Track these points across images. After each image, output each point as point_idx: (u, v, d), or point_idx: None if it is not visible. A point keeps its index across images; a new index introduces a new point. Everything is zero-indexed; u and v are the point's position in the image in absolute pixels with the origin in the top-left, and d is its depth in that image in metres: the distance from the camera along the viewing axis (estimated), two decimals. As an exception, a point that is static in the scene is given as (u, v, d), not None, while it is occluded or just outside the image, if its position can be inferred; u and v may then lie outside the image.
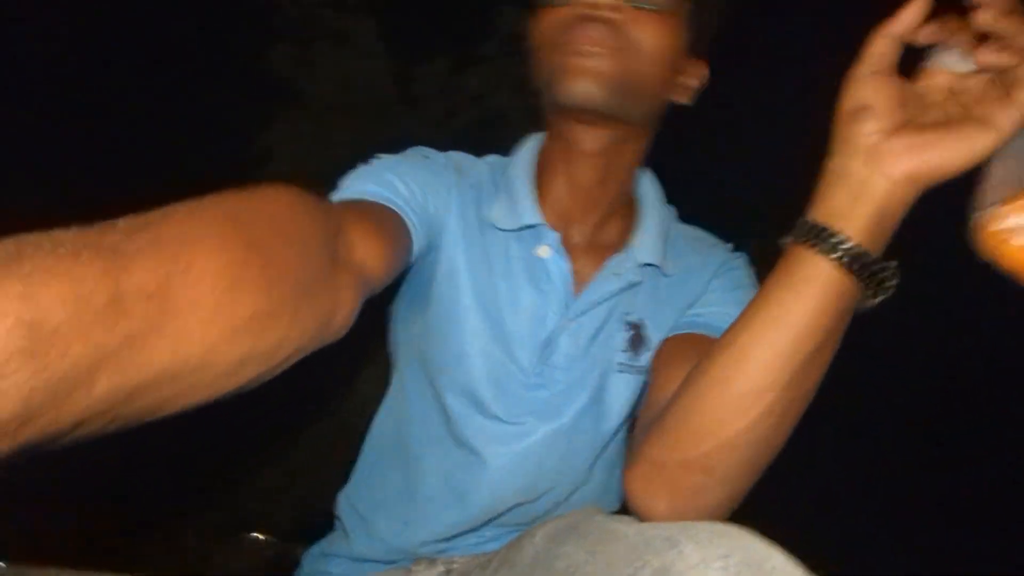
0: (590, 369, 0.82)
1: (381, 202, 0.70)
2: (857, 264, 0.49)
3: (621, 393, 0.83)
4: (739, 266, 0.88)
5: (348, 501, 0.93)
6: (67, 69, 2.20)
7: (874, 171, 0.48)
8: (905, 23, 0.48)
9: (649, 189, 0.88)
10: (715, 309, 0.82)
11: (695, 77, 0.80)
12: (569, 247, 0.82)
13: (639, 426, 0.78)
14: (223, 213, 0.41)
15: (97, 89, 2.19)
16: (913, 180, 0.49)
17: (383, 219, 0.68)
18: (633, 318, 0.83)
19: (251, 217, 0.42)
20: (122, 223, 0.35)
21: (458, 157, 0.87)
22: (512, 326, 0.81)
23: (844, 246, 0.49)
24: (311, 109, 2.45)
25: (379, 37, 2.56)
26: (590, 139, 0.76)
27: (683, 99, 0.80)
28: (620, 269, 0.81)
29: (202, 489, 1.98)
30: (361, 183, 0.72)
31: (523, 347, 0.81)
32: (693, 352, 0.73)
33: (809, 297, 0.50)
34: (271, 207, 0.45)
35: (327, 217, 0.52)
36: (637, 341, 0.83)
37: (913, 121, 0.49)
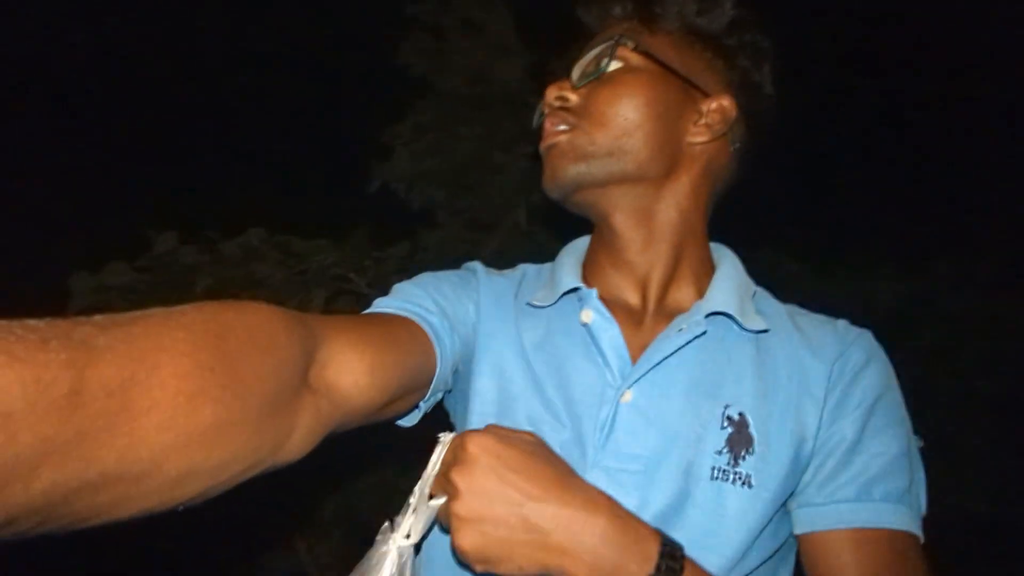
0: (673, 463, 0.66)
1: (395, 312, 0.68)
2: None
3: (725, 505, 0.65)
4: (865, 358, 0.71)
5: None
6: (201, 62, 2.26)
7: None
8: None
9: (724, 254, 0.81)
10: (858, 465, 0.66)
11: (712, 113, 0.75)
12: (631, 314, 0.75)
13: None
14: (201, 318, 0.41)
15: (234, 82, 2.24)
16: None
17: (391, 333, 0.65)
18: (734, 411, 0.67)
19: (227, 326, 0.42)
20: (99, 318, 0.35)
21: (504, 272, 0.85)
22: (566, 410, 0.71)
23: None
24: (440, 101, 2.38)
25: (514, 29, 2.46)
26: (602, 209, 0.76)
27: (704, 137, 0.75)
28: (684, 324, 0.70)
29: None
30: (384, 299, 0.72)
31: (580, 433, 0.69)
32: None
33: None
34: (249, 319, 0.45)
35: (305, 334, 0.51)
36: (737, 440, 0.67)
37: None
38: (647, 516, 0.62)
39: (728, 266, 0.78)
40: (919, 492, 0.67)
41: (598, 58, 0.75)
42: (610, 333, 0.72)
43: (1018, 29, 2.64)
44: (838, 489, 0.65)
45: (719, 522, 0.64)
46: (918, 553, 0.63)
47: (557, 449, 0.64)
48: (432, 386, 0.69)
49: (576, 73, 0.75)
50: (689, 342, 0.70)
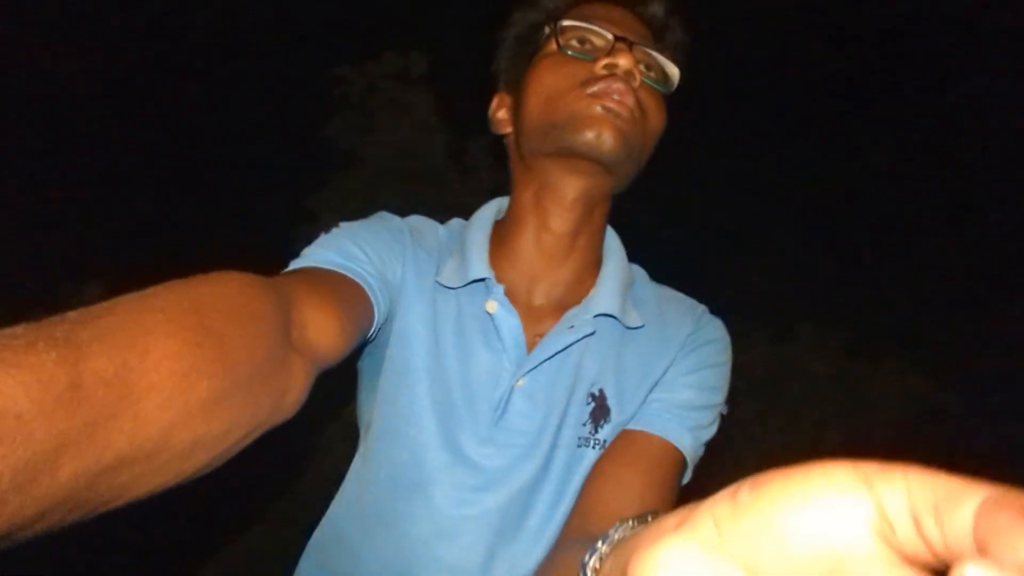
0: (548, 436, 0.76)
1: (341, 271, 0.69)
2: None
3: (582, 465, 0.76)
4: (712, 337, 0.82)
5: None
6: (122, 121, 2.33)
7: None
8: None
9: (612, 247, 0.85)
10: (676, 395, 0.77)
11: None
12: (531, 308, 0.79)
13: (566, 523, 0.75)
14: (176, 299, 0.41)
15: (157, 140, 2.30)
16: None
17: (340, 291, 0.66)
18: (596, 389, 0.77)
19: (204, 301, 0.43)
20: (72, 314, 0.35)
21: (417, 221, 0.86)
22: (464, 389, 0.76)
23: None
24: (365, 173, 2.53)
25: (436, 111, 2.67)
26: (576, 188, 0.76)
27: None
28: (575, 321, 0.76)
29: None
30: (322, 251, 0.71)
31: (476, 410, 0.76)
32: (633, 461, 0.72)
33: None
34: (223, 290, 0.45)
35: (279, 298, 0.52)
36: (598, 413, 0.77)
37: None
38: (523, 479, 0.74)
39: (614, 262, 0.83)
40: (703, 437, 0.77)
41: (666, 72, 0.78)
42: (510, 323, 0.76)
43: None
44: (658, 406, 0.77)
45: (572, 479, 0.75)
46: (681, 472, 0.75)
47: (444, 428, 0.75)
48: (366, 338, 0.73)
49: (647, 71, 0.76)
50: (578, 340, 0.76)
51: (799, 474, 0.23)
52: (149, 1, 2.34)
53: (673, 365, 0.79)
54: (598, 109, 0.70)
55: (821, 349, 2.71)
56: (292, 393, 0.52)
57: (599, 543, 0.38)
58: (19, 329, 0.32)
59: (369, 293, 0.70)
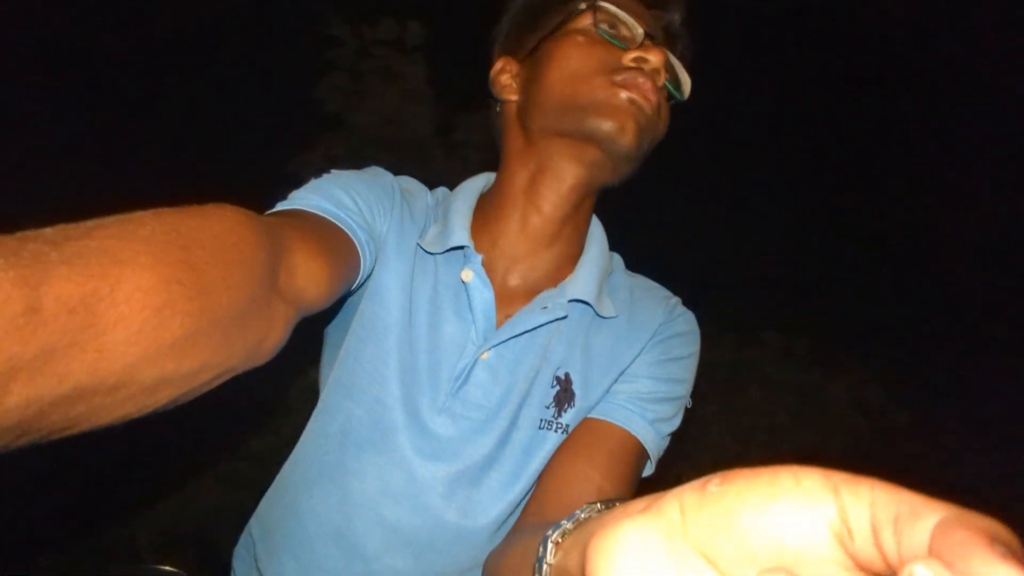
0: (506, 414, 0.75)
1: (331, 219, 0.67)
2: None
3: (542, 448, 0.75)
4: (681, 330, 0.81)
5: (243, 544, 0.86)
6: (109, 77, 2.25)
7: None
8: None
9: (595, 234, 0.84)
10: (640, 386, 0.77)
11: None
12: (505, 287, 0.78)
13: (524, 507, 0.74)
14: (163, 230, 0.39)
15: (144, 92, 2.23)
16: None
17: (331, 240, 0.65)
18: (561, 372, 0.77)
19: (191, 236, 0.40)
20: (50, 231, 0.33)
21: (407, 182, 0.84)
22: (430, 354, 0.75)
23: None
24: (351, 139, 2.49)
25: (428, 82, 2.64)
26: (576, 175, 0.75)
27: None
28: (548, 303, 0.75)
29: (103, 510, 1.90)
30: (313, 197, 0.68)
31: (438, 377, 0.75)
32: (593, 451, 0.72)
33: None
34: (214, 227, 0.43)
35: (272, 241, 0.50)
36: (563, 397, 0.76)
37: None
38: (475, 454, 0.74)
39: (595, 249, 0.82)
40: (665, 429, 0.77)
41: (681, 82, 0.78)
42: (484, 296, 0.75)
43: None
44: (622, 397, 0.77)
45: (530, 462, 0.75)
46: (641, 464, 0.75)
47: (406, 389, 0.74)
48: (350, 289, 0.72)
49: (670, 76, 0.75)
50: (549, 322, 0.76)
51: (769, 473, 0.24)
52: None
53: (641, 355, 0.78)
54: (624, 98, 0.69)
55: (784, 357, 2.78)
56: (271, 339, 0.50)
57: (564, 521, 0.38)
58: None
59: (357, 245, 0.68)
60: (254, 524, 0.85)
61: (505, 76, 0.80)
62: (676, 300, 0.84)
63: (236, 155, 2.37)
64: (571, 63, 0.72)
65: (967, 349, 2.91)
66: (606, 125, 0.69)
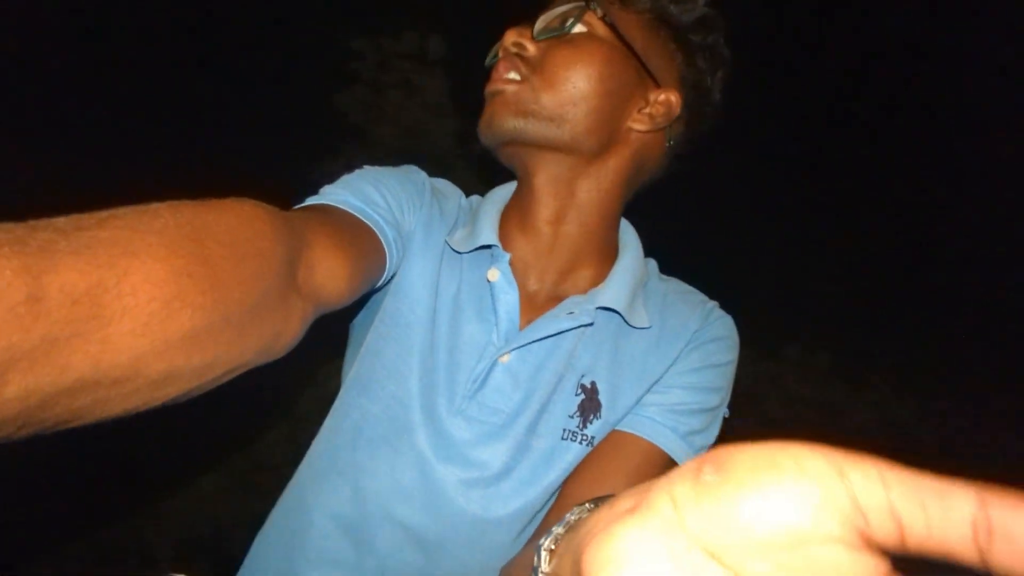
0: (524, 421, 0.72)
1: (358, 216, 0.67)
2: None
3: (564, 460, 0.72)
4: (718, 334, 0.77)
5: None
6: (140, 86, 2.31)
7: None
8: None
9: (629, 242, 0.82)
10: (672, 397, 0.73)
11: (658, 104, 0.75)
12: (528, 292, 0.76)
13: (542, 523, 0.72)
14: (177, 223, 0.38)
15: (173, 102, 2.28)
16: None
17: (356, 236, 0.64)
18: (587, 380, 0.74)
19: (206, 229, 0.40)
20: (63, 220, 0.33)
21: (441, 183, 0.84)
22: (450, 354, 0.74)
23: None
24: (373, 150, 2.52)
25: (449, 95, 2.66)
26: (525, 173, 0.75)
27: (644, 126, 0.75)
28: (575, 308, 0.73)
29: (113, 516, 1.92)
30: (342, 192, 0.68)
31: (455, 379, 0.73)
32: (619, 466, 0.69)
33: None
34: (230, 220, 0.42)
35: (291, 235, 0.49)
36: (588, 406, 0.73)
37: None
38: (491, 461, 0.71)
39: (629, 257, 0.79)
40: (698, 443, 0.74)
41: (564, 16, 0.73)
42: (509, 297, 0.73)
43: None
44: (652, 409, 0.73)
45: (550, 472, 0.72)
46: None
47: (424, 388, 0.72)
48: (374, 287, 0.71)
49: (539, 25, 0.73)
50: (574, 328, 0.73)
51: (765, 456, 0.23)
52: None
53: (675, 364, 0.75)
54: (486, 101, 0.74)
55: (806, 371, 2.73)
56: (286, 335, 0.49)
57: (555, 526, 0.37)
58: None
59: (384, 242, 0.68)
60: (267, 527, 0.83)
61: None
62: (713, 304, 0.81)
63: (259, 166, 2.41)
64: None
65: (1002, 366, 2.84)
66: (480, 130, 0.74)
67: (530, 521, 0.74)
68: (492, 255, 0.76)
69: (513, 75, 0.72)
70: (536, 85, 0.71)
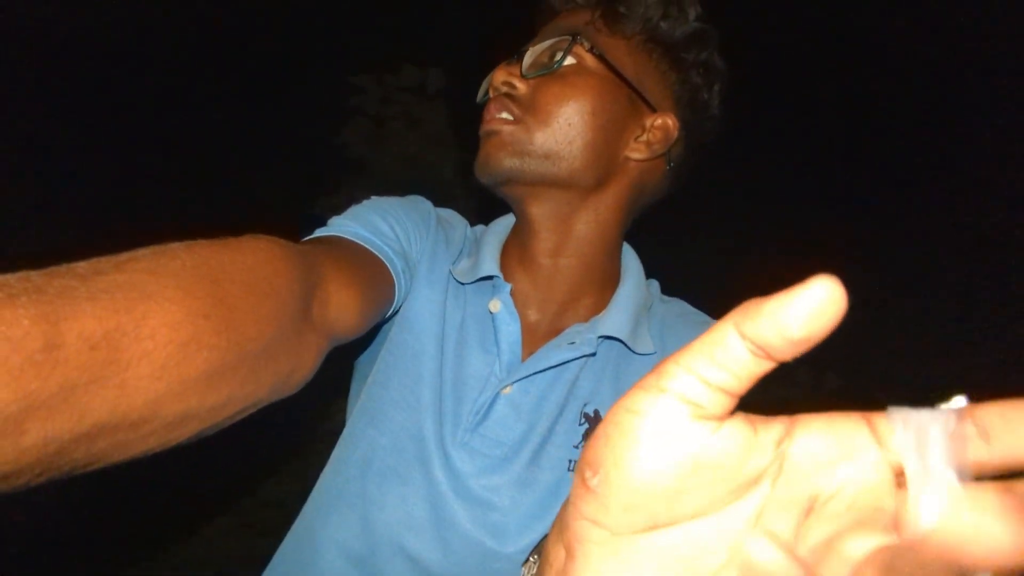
0: (526, 453, 0.71)
1: (367, 247, 0.67)
2: None
3: (568, 491, 0.70)
4: None
5: None
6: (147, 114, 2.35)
7: None
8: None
9: (630, 267, 0.81)
10: None
11: (655, 130, 0.74)
12: (530, 322, 0.76)
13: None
14: (193, 262, 0.38)
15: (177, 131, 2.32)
16: None
17: (366, 268, 0.64)
18: (590, 409, 0.73)
19: (223, 269, 0.40)
20: (83, 265, 0.33)
21: (447, 213, 0.85)
22: (455, 387, 0.73)
23: None
24: (375, 182, 2.55)
25: (449, 126, 2.70)
26: (529, 214, 0.75)
27: (642, 155, 0.74)
28: (577, 338, 0.72)
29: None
30: (351, 224, 0.68)
31: (460, 411, 0.72)
32: None
33: None
34: (247, 259, 0.43)
35: (306, 272, 0.49)
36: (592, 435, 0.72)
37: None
38: (494, 494, 0.70)
39: (630, 283, 0.78)
40: None
41: (552, 50, 0.72)
42: (510, 328, 0.73)
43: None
44: None
45: (556, 504, 0.70)
46: None
47: (435, 419, 0.71)
48: (383, 317, 0.71)
49: (528, 61, 0.73)
50: (576, 358, 0.72)
51: (613, 426, 0.24)
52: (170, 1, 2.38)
53: None
54: (481, 142, 0.73)
55: (816, 393, 2.71)
56: (300, 371, 0.49)
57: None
58: (11, 279, 0.30)
59: (393, 273, 0.68)
60: (273, 562, 0.82)
61: None
62: (713, 322, 0.79)
63: (263, 199, 2.44)
64: None
65: (1016, 389, 2.81)
66: (476, 170, 0.73)
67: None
68: (494, 286, 0.76)
69: (505, 115, 0.71)
70: (529, 124, 0.70)
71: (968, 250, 3.04)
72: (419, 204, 0.80)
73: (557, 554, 0.26)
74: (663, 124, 0.74)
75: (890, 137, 3.15)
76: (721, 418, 0.23)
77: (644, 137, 0.74)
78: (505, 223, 0.83)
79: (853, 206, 3.11)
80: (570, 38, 0.71)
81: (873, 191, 3.15)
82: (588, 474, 0.24)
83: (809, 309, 0.21)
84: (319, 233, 0.68)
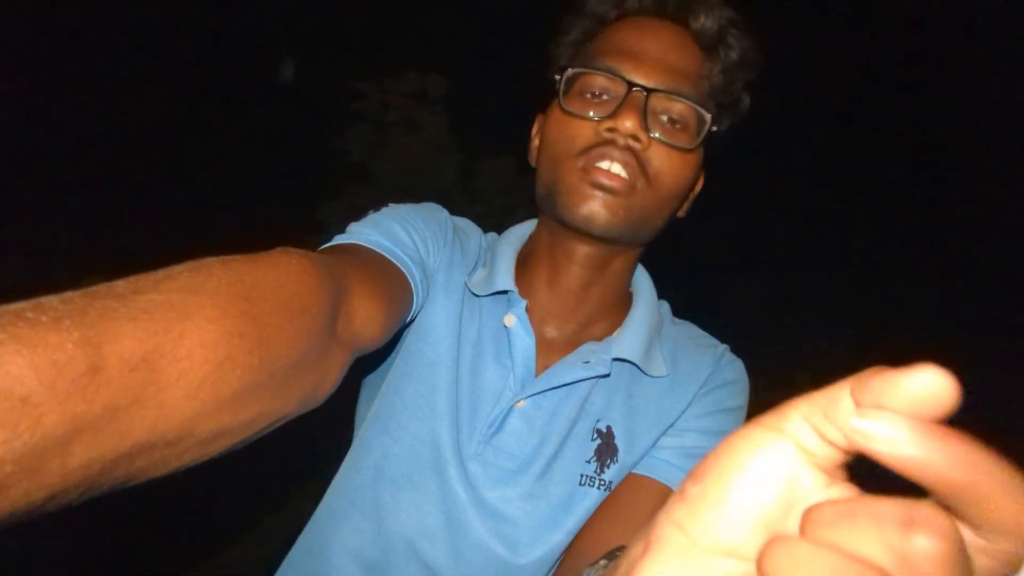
0: (537, 466, 0.72)
1: (388, 256, 0.67)
2: None
3: (582, 505, 0.71)
4: (730, 378, 0.77)
5: None
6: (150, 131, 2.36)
7: None
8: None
9: (643, 285, 0.82)
10: (687, 440, 0.74)
11: (698, 191, 0.78)
12: (545, 338, 0.77)
13: (558, 569, 0.72)
14: (228, 279, 0.39)
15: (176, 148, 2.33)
16: None
17: (386, 277, 0.64)
18: (603, 425, 0.74)
19: (256, 286, 0.41)
20: (122, 284, 0.34)
21: (462, 221, 0.84)
22: (470, 399, 0.74)
23: None
24: (377, 187, 2.55)
25: (450, 131, 2.70)
26: (583, 254, 0.74)
27: (684, 214, 0.77)
28: (591, 357, 0.73)
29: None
30: (372, 232, 0.68)
31: (474, 423, 0.73)
32: (634, 510, 0.70)
33: None
34: (280, 276, 0.43)
35: (334, 286, 0.50)
36: (604, 451, 0.73)
37: None
38: (507, 506, 0.71)
39: (643, 306, 0.79)
40: None
41: (694, 127, 0.69)
42: (525, 343, 0.74)
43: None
44: (667, 452, 0.73)
45: (568, 518, 0.71)
46: None
47: (447, 429, 0.72)
48: (403, 325, 0.71)
49: (661, 124, 0.68)
50: (589, 377, 0.73)
51: (726, 449, 0.26)
52: (173, 6, 2.39)
53: (689, 407, 0.75)
54: (590, 187, 0.67)
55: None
56: (326, 385, 0.50)
57: None
58: (54, 301, 0.30)
59: (411, 283, 0.68)
60: (282, 569, 0.82)
61: (536, 140, 0.79)
62: (724, 348, 0.80)
63: (266, 205, 2.45)
64: (549, 144, 0.72)
65: (1018, 396, 2.80)
66: (576, 213, 0.68)
67: (554, 565, 0.73)
68: (508, 300, 0.76)
69: (626, 175, 0.66)
70: (641, 191, 0.68)
71: (976, 266, 3.03)
72: (436, 213, 0.79)
73: (637, 547, 0.29)
74: (700, 185, 0.78)
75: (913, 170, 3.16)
76: (833, 474, 0.25)
77: (689, 199, 0.78)
78: (519, 233, 0.83)
79: (861, 225, 3.10)
80: (709, 120, 0.69)
81: (866, 209, 3.15)
82: (689, 484, 0.26)
83: (919, 391, 0.22)
84: (339, 240, 0.68)
